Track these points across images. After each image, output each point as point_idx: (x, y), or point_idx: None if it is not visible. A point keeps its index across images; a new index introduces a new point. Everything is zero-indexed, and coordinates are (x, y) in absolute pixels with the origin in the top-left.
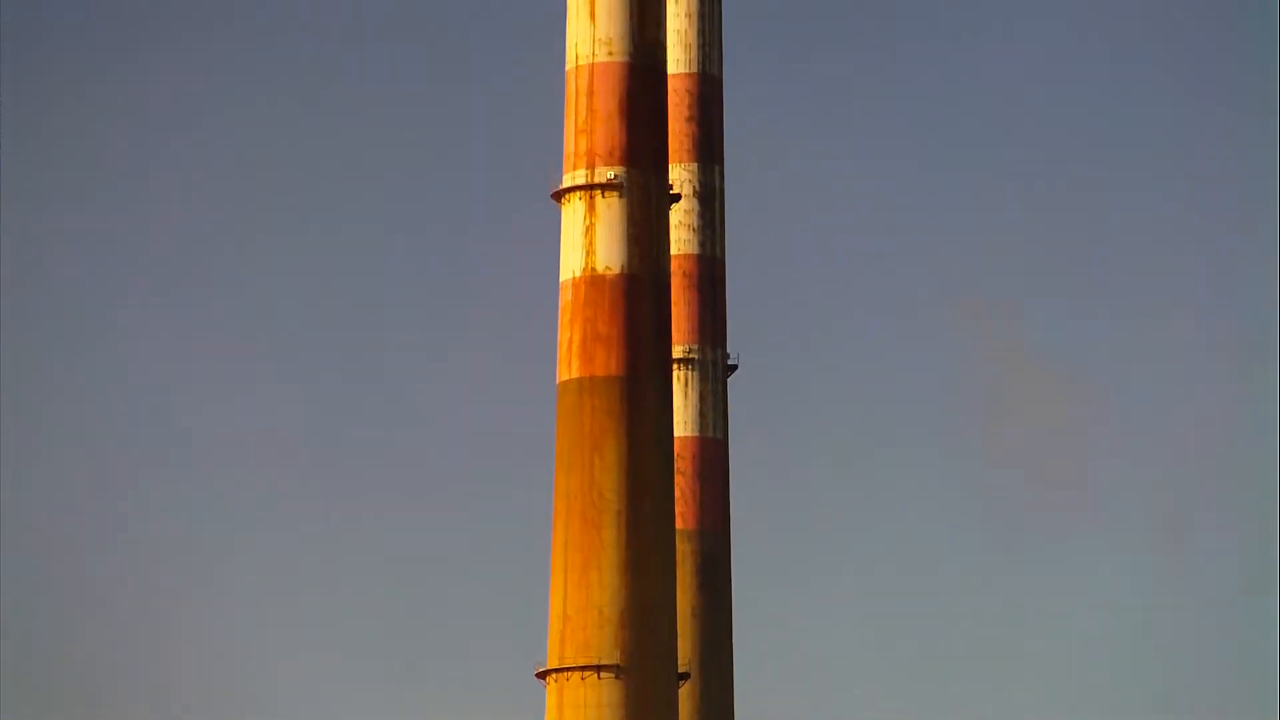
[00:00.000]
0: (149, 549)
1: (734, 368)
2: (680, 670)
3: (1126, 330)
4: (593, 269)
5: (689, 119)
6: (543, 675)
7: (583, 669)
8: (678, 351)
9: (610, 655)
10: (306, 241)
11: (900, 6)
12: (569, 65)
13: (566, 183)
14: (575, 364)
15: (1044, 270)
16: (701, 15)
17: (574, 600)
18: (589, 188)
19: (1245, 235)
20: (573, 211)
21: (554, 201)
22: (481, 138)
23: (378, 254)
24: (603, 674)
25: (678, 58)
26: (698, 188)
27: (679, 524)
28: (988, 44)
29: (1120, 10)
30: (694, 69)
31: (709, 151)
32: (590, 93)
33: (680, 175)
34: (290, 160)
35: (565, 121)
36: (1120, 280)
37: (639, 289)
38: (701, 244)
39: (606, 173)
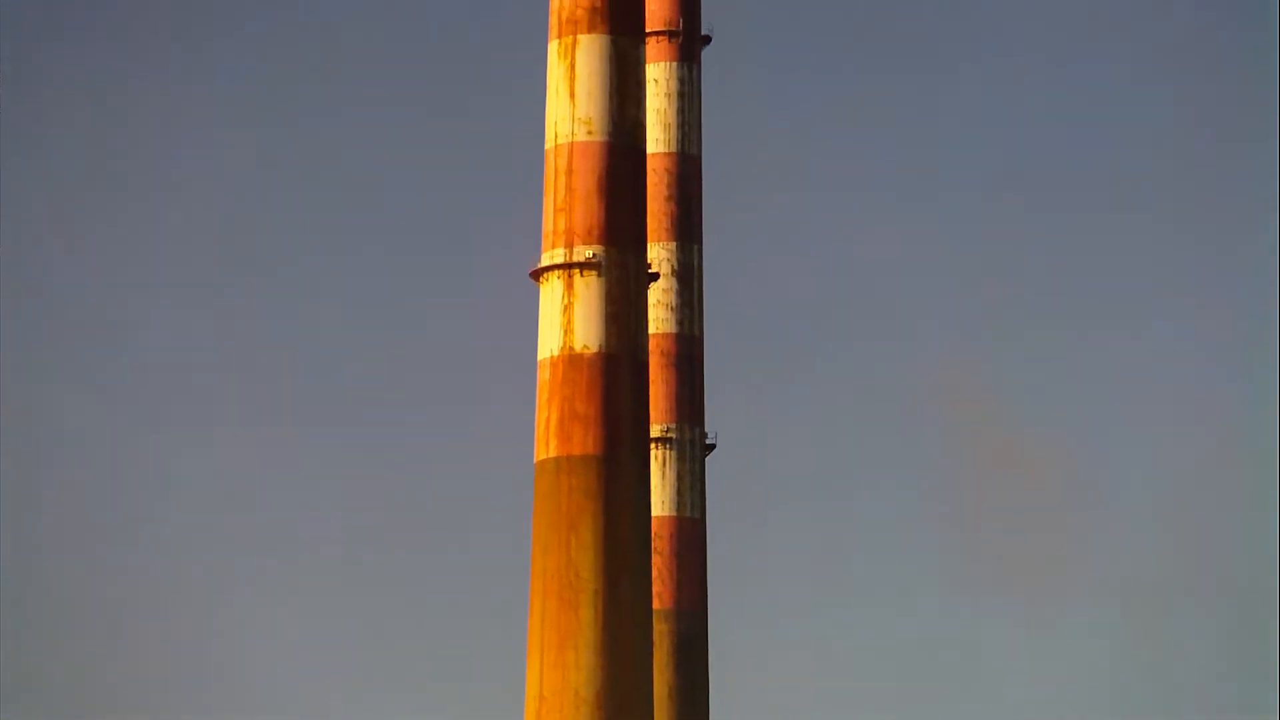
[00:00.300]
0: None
1: (712, 447)
2: None
3: (1108, 399)
4: (571, 348)
5: (668, 198)
6: None
7: None
8: (656, 431)
9: None
10: (283, 313)
11: (877, 93)
12: (548, 144)
13: (545, 261)
14: (553, 443)
15: (1023, 340)
16: (681, 95)
17: (550, 681)
18: (567, 266)
19: (1233, 308)
20: (551, 290)
21: (532, 280)
22: (459, 216)
23: (355, 331)
24: None
25: (657, 137)
26: (676, 267)
27: (656, 604)
28: (967, 128)
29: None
30: (673, 148)
31: (688, 231)
32: (569, 171)
33: (659, 254)
34: (266, 233)
35: (544, 200)
36: (1102, 349)
37: (617, 368)
38: (680, 323)
39: (585, 251)
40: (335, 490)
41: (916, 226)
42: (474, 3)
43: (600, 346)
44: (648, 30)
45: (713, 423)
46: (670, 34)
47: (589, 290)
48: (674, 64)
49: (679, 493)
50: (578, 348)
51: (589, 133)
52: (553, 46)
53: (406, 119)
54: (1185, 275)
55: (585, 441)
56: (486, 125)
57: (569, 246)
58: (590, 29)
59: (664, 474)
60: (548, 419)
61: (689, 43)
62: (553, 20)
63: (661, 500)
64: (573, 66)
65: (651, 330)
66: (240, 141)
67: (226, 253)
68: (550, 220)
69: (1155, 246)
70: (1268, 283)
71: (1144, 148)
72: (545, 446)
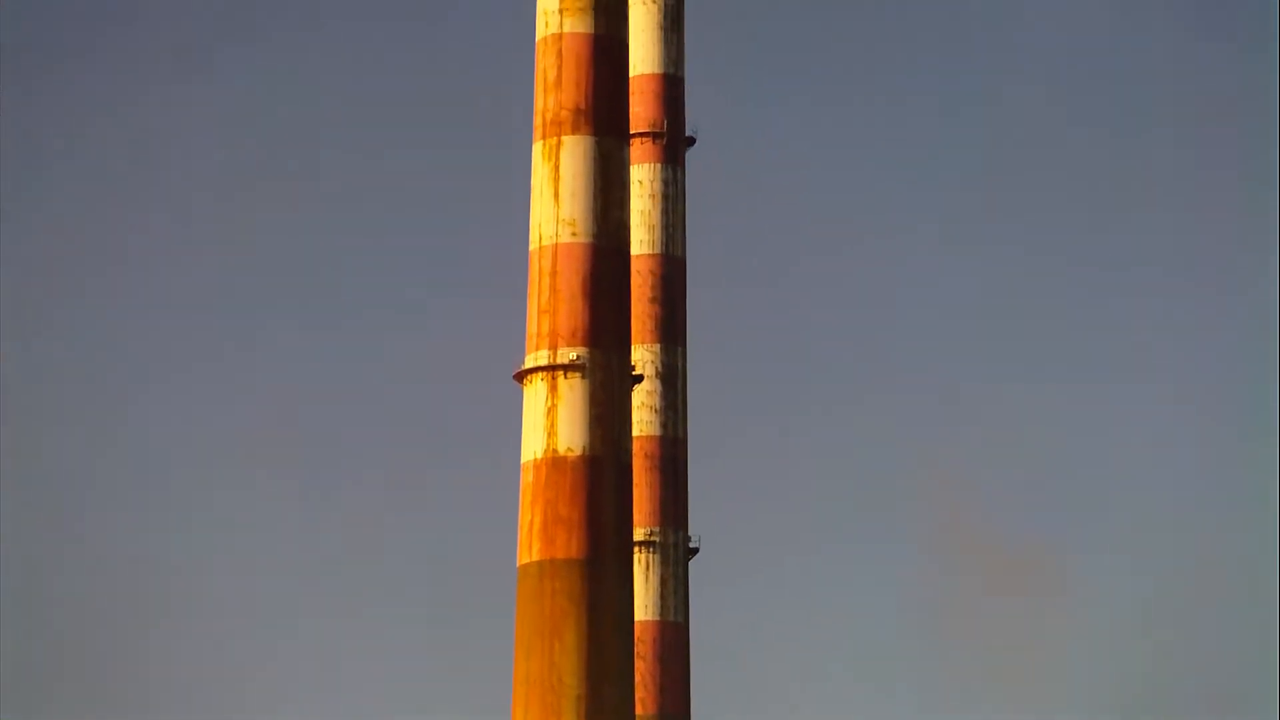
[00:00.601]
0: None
1: (695, 551)
2: None
3: (1099, 507)
4: (554, 450)
5: (652, 299)
6: None
7: None
8: (639, 534)
9: None
10: (261, 415)
11: (859, 196)
12: (532, 245)
13: (529, 363)
14: (536, 546)
15: (1013, 447)
16: (666, 196)
17: None
18: (551, 368)
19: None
20: (535, 393)
21: (516, 382)
22: (442, 318)
23: (340, 438)
24: None
25: (642, 238)
26: (660, 369)
27: (639, 709)
28: (947, 226)
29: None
30: (658, 250)
31: (672, 332)
32: (553, 273)
33: (643, 356)
34: (249, 352)
35: (528, 302)
36: (1089, 459)
37: (601, 471)
38: (664, 425)
39: (569, 353)
40: (312, 592)
41: (899, 327)
42: (457, 103)
43: (584, 449)
44: (632, 131)
45: (696, 526)
46: (654, 135)
47: (573, 392)
48: (658, 165)
49: (662, 597)
50: (561, 450)
51: (573, 234)
52: (537, 148)
53: (390, 216)
54: (1173, 366)
55: (569, 545)
56: (470, 226)
57: (553, 348)
58: (574, 130)
59: (647, 578)
60: (531, 522)
61: (673, 144)
62: (537, 121)
63: (645, 604)
64: (557, 168)
65: (635, 433)
66: (221, 238)
67: (210, 335)
68: (534, 322)
69: (1148, 332)
70: (1259, 386)
71: (1138, 190)
72: (528, 550)
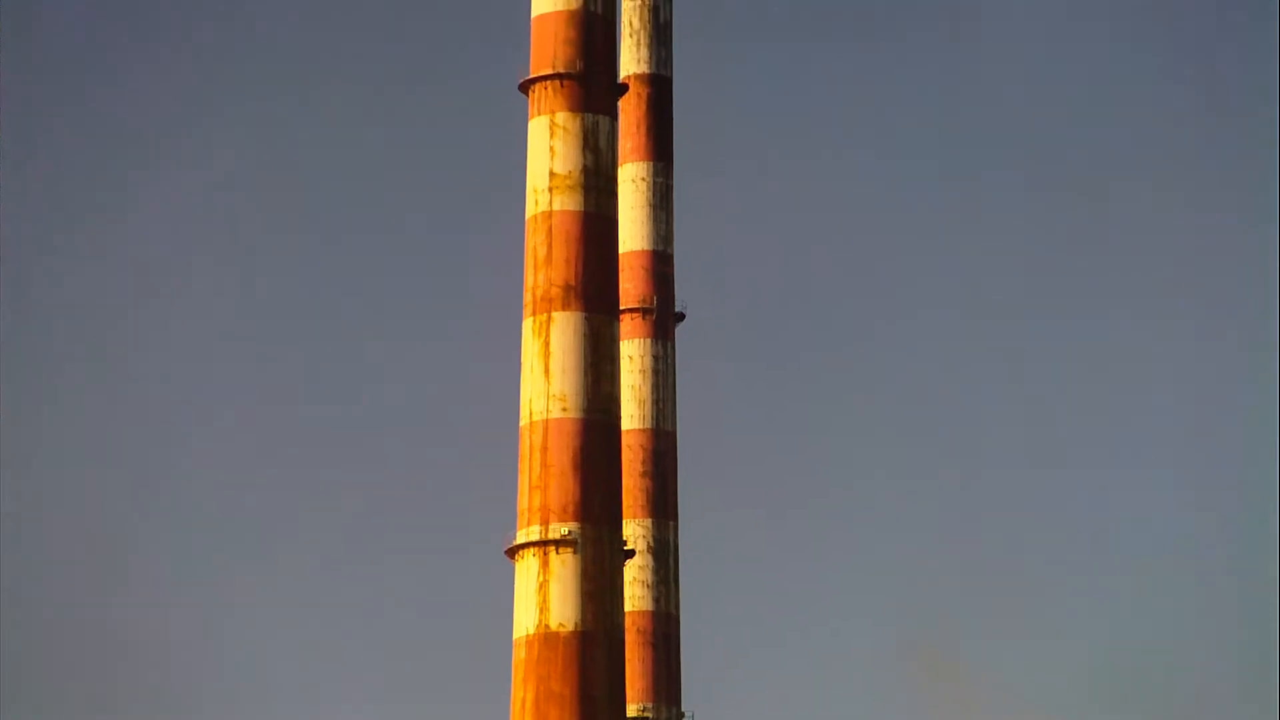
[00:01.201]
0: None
1: None
2: None
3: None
4: (546, 626)
5: (643, 474)
6: None
7: None
8: (632, 710)
9: None
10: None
11: (846, 377)
12: (523, 421)
13: (520, 539)
14: None
15: (1008, 613)
16: (656, 371)
17: None
18: (543, 544)
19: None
20: (526, 568)
21: (508, 558)
22: (434, 494)
23: (332, 613)
24: None
25: (632, 413)
26: (652, 543)
27: None
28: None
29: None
30: (648, 424)
31: (663, 507)
32: (544, 448)
33: (635, 531)
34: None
35: (519, 477)
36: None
37: (593, 647)
38: (655, 600)
39: (561, 529)
40: None
41: (883, 498)
42: (447, 277)
43: (576, 625)
44: (622, 307)
45: (690, 702)
46: (644, 311)
47: (565, 568)
48: (648, 340)
49: None
50: (554, 626)
51: (564, 409)
52: (527, 324)
53: (380, 391)
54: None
55: None
56: (460, 400)
57: (544, 524)
58: (565, 306)
59: None
60: (523, 699)
61: (663, 319)
62: (527, 298)
63: None
64: (547, 343)
65: (628, 608)
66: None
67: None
68: (525, 497)
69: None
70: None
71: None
72: None
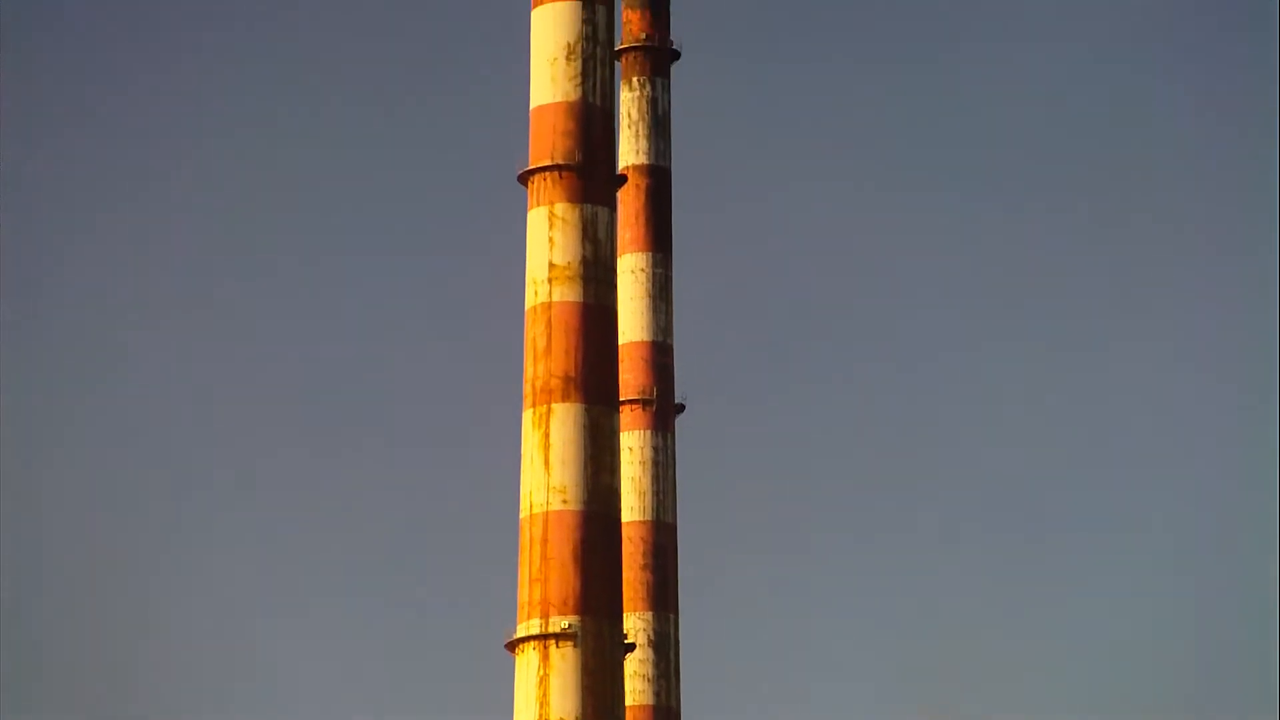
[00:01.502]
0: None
1: None
2: None
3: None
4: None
5: (644, 566)
6: None
7: None
8: None
9: None
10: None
11: (848, 460)
12: (523, 513)
13: (520, 632)
14: None
15: (1013, 676)
16: (656, 463)
17: None
18: (543, 638)
19: None
20: (526, 662)
21: (508, 651)
22: (434, 587)
23: (332, 710)
24: None
25: (632, 505)
26: (653, 637)
27: None
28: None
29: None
30: (648, 516)
31: (664, 599)
32: (544, 541)
33: (635, 624)
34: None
35: (519, 569)
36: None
37: None
38: (656, 694)
39: (561, 622)
40: None
41: (881, 585)
42: (447, 368)
43: (577, 719)
44: (622, 398)
45: None
46: (644, 402)
47: (565, 662)
48: (648, 432)
49: None
50: None
51: (564, 501)
52: (527, 415)
53: (378, 487)
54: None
55: None
56: (461, 492)
57: (544, 617)
58: (564, 398)
59: None
60: None
61: (663, 411)
62: (526, 389)
63: None
64: (547, 435)
65: (628, 702)
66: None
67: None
68: (525, 590)
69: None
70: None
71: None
72: None
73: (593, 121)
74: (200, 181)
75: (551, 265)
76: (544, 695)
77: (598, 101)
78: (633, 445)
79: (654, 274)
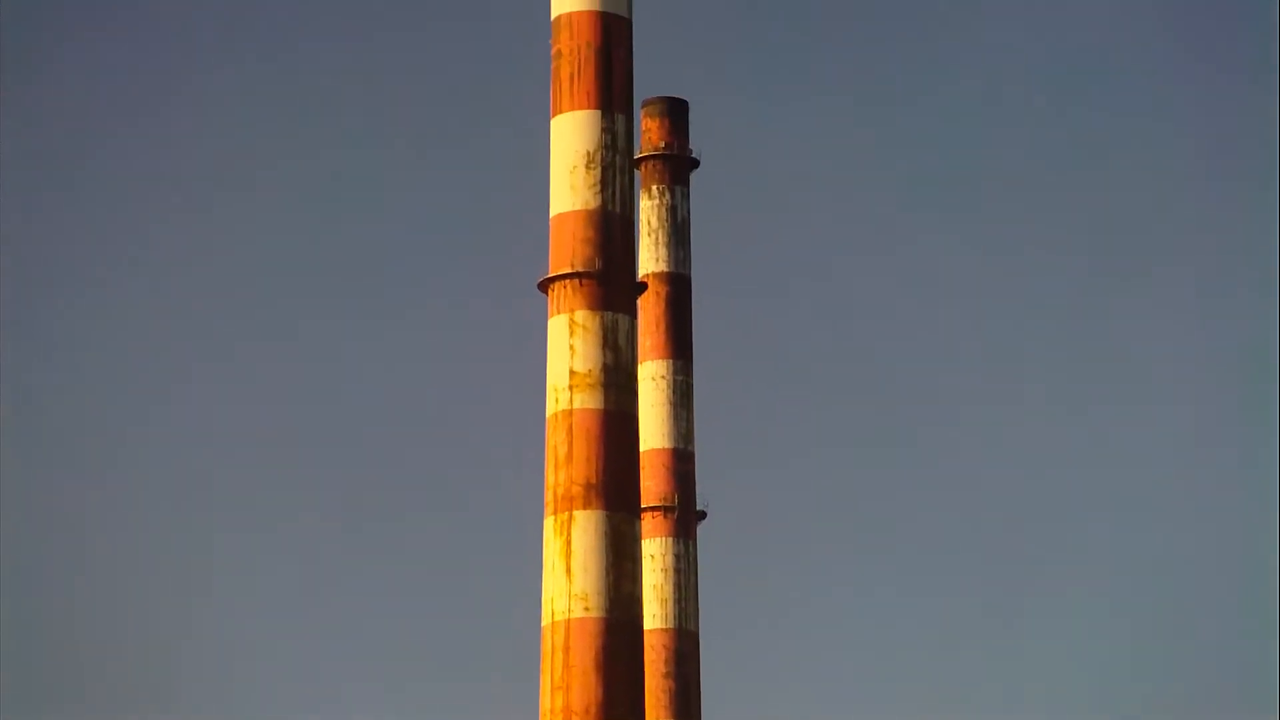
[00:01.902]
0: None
1: None
2: None
3: None
4: None
5: (666, 675)
6: None
7: None
8: None
9: None
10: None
11: (858, 549)
12: (545, 621)
13: None
14: None
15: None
16: (678, 570)
17: None
18: None
19: None
20: None
21: None
22: (458, 697)
23: None
24: None
25: (654, 612)
26: None
27: None
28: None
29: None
30: (670, 624)
31: (686, 707)
32: (566, 649)
33: None
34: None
35: (541, 678)
36: None
37: None
38: None
39: None
40: None
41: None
42: (468, 476)
43: None
44: (643, 506)
45: None
46: (666, 509)
47: None
48: (670, 539)
49: None
50: None
51: (586, 609)
52: (548, 522)
53: (402, 594)
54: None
55: None
56: (482, 601)
57: None
58: (586, 505)
59: None
60: None
61: (684, 518)
62: (548, 496)
63: None
64: (569, 542)
65: None
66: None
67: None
68: (548, 698)
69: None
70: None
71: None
72: None
73: (613, 229)
74: (233, 317)
75: (573, 373)
76: None
77: (617, 209)
78: (654, 552)
79: (674, 381)
